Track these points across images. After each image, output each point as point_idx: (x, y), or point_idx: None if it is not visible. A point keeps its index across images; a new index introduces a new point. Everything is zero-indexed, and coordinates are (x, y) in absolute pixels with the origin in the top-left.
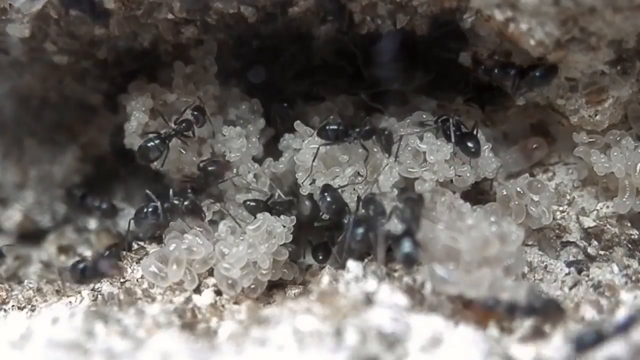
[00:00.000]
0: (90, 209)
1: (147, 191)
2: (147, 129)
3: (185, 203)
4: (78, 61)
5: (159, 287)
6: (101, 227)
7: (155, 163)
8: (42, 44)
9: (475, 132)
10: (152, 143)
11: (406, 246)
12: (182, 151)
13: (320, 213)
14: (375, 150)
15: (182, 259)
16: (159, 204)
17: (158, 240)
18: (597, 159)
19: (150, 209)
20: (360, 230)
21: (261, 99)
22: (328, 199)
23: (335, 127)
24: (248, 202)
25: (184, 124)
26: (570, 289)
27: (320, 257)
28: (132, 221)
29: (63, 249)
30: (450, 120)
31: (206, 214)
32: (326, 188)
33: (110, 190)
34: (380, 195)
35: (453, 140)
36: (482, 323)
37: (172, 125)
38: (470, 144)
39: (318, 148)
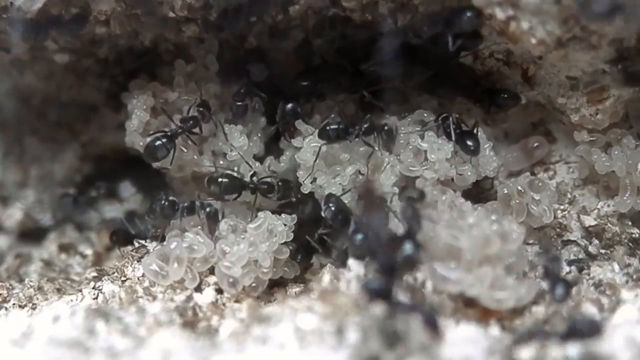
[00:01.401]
0: (88, 203)
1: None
2: (148, 127)
3: (207, 209)
4: (79, 60)
5: (160, 286)
6: (102, 225)
7: (160, 163)
8: (43, 42)
9: (475, 130)
10: (159, 142)
11: (407, 248)
12: (184, 149)
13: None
14: (376, 148)
15: (183, 258)
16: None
17: (159, 238)
18: (598, 158)
19: (167, 203)
20: (359, 237)
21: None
22: (333, 209)
23: (335, 126)
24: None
25: (191, 121)
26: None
27: (299, 258)
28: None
29: (64, 248)
30: (450, 119)
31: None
32: (330, 197)
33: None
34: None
35: (453, 138)
36: (483, 322)
37: (178, 123)
38: (469, 142)
39: (320, 147)
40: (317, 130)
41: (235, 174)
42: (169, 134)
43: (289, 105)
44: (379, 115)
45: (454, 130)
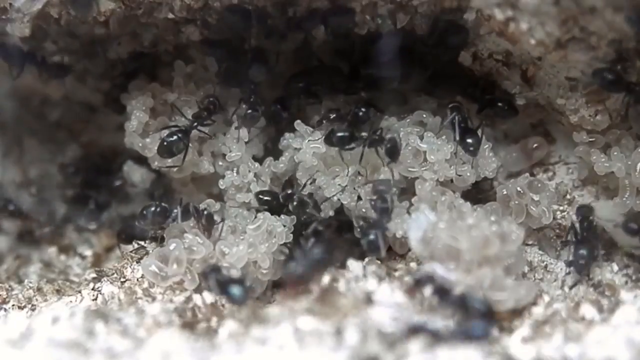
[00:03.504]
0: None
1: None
2: (147, 128)
3: (205, 213)
4: (78, 60)
5: (159, 287)
6: (102, 226)
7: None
8: (43, 43)
9: (480, 133)
10: (175, 136)
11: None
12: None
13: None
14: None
15: (183, 259)
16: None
17: (158, 239)
18: (597, 159)
19: (159, 209)
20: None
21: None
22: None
23: (341, 134)
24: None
25: (204, 113)
26: (571, 288)
27: None
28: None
29: (63, 249)
30: (459, 110)
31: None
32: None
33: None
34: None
35: (457, 132)
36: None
37: (188, 119)
38: (469, 141)
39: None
40: (323, 136)
41: (277, 194)
42: (183, 128)
43: (280, 107)
44: (377, 117)
45: (459, 124)
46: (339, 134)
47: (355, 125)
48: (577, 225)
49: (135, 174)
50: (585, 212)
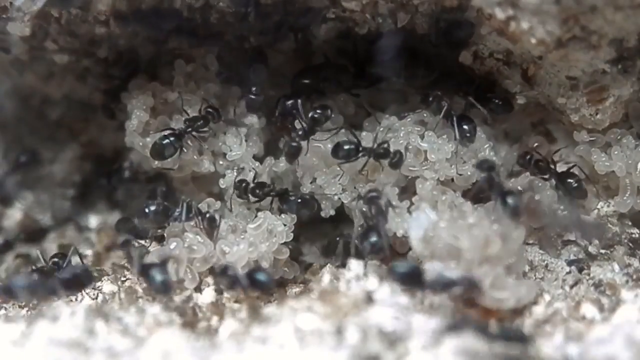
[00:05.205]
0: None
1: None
2: (147, 127)
3: (207, 215)
4: (79, 60)
5: None
6: (102, 226)
7: (164, 162)
8: (43, 42)
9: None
10: (167, 140)
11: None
12: (184, 149)
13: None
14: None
15: (183, 258)
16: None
17: (159, 239)
18: (597, 158)
19: (161, 208)
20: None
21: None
22: None
23: (347, 146)
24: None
25: (200, 121)
26: (571, 287)
27: None
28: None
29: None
30: (441, 102)
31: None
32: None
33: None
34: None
35: (455, 124)
36: (484, 322)
37: (186, 122)
38: (466, 127)
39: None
40: (330, 150)
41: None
42: (177, 132)
43: (289, 102)
44: (378, 116)
45: (453, 114)
46: (345, 147)
47: (314, 126)
48: None
49: None
50: None
